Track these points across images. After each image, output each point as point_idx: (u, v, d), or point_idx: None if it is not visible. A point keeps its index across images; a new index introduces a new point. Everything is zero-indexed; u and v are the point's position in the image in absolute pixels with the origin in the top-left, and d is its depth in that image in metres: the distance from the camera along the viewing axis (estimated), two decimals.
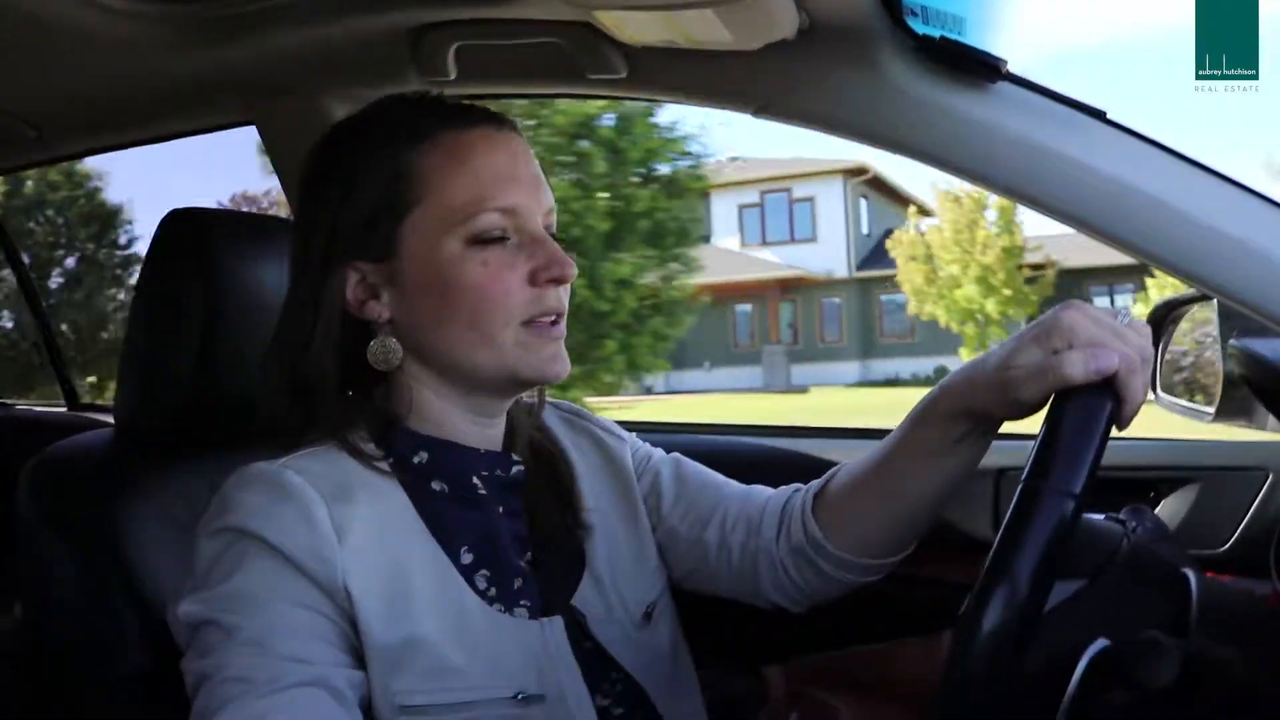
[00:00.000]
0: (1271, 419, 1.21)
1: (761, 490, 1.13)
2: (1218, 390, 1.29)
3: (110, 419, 1.19)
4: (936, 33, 1.15)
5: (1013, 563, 0.70)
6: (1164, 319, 1.44)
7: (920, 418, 0.98)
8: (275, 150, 1.59)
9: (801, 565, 1.05)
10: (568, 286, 0.95)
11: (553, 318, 0.94)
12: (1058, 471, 0.73)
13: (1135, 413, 0.81)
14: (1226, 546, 1.24)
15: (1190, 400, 1.42)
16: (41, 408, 2.92)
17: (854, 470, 1.04)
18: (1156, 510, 1.35)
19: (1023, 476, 0.74)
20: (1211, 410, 1.30)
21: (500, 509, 0.98)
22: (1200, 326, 1.44)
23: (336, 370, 0.93)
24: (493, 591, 0.93)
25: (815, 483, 1.08)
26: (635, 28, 1.14)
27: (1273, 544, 0.88)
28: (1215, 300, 1.21)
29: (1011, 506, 0.73)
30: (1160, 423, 1.39)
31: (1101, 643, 0.72)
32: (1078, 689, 0.69)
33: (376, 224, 0.93)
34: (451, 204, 0.91)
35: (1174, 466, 1.37)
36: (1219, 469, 1.33)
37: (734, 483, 1.14)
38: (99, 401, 2.72)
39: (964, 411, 0.94)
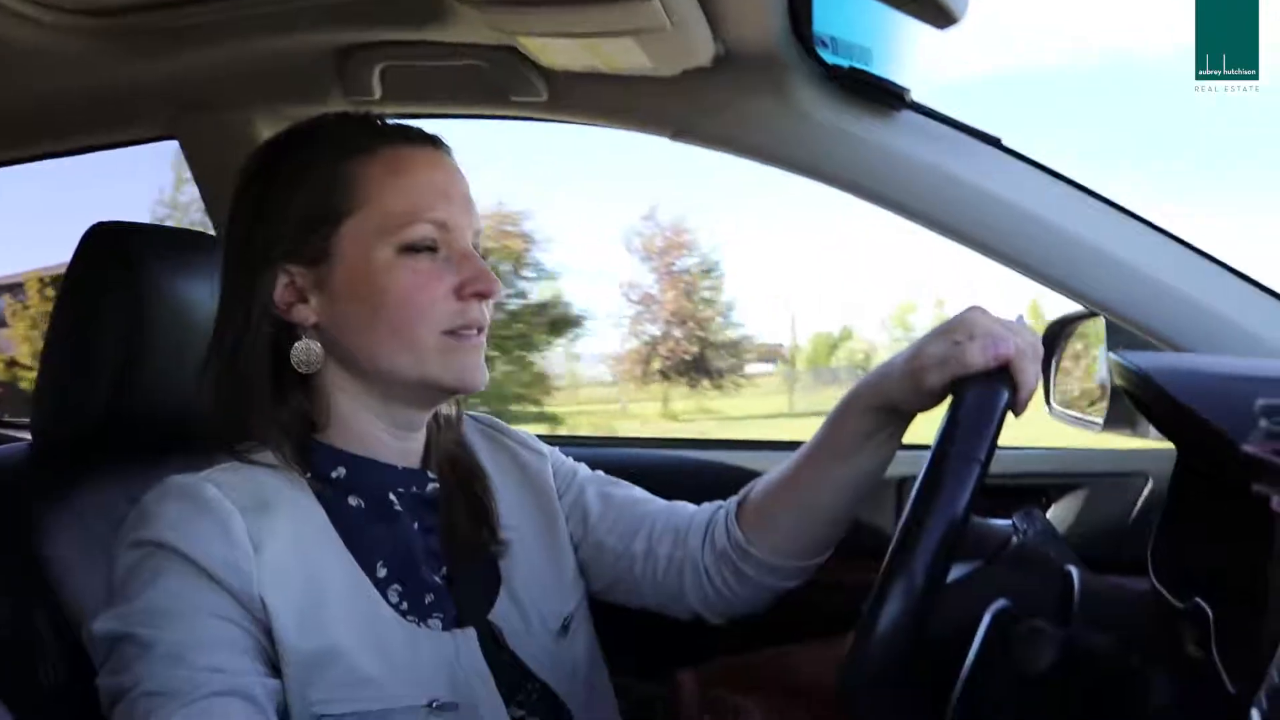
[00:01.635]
0: (1153, 427, 1.29)
1: (686, 504, 1.17)
2: (1105, 401, 1.37)
3: (18, 435, 1.18)
4: (845, 63, 1.22)
5: (925, 518, 0.75)
6: (1057, 335, 1.52)
7: (838, 415, 1.03)
8: (198, 165, 1.58)
9: (725, 572, 1.09)
10: (491, 302, 0.98)
11: (473, 331, 0.97)
12: (962, 439, 0.80)
13: (1029, 397, 0.88)
14: (1111, 547, 1.31)
15: (1081, 411, 1.50)
16: None
17: (774, 476, 1.09)
18: (1048, 514, 1.42)
19: (933, 445, 0.81)
20: (1100, 420, 1.37)
21: (415, 525, 1.00)
22: (1089, 341, 1.52)
23: (266, 371, 0.95)
24: (405, 605, 0.95)
25: (739, 493, 1.13)
26: (557, 53, 1.18)
27: (1149, 543, 0.95)
28: (1102, 317, 1.29)
29: (920, 474, 0.79)
30: (1053, 432, 1.47)
31: (1001, 602, 0.79)
32: (981, 645, 0.75)
33: (313, 229, 0.95)
34: (388, 212, 0.94)
35: (1064, 474, 1.44)
36: (1105, 475, 1.41)
37: (657, 498, 1.18)
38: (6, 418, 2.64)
39: (879, 405, 1.00)
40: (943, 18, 0.75)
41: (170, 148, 1.58)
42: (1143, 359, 0.93)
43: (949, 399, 0.89)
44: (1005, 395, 0.85)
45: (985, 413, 0.82)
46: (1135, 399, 0.99)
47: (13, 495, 1.08)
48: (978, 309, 0.93)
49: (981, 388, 0.85)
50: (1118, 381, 1.00)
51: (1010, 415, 0.86)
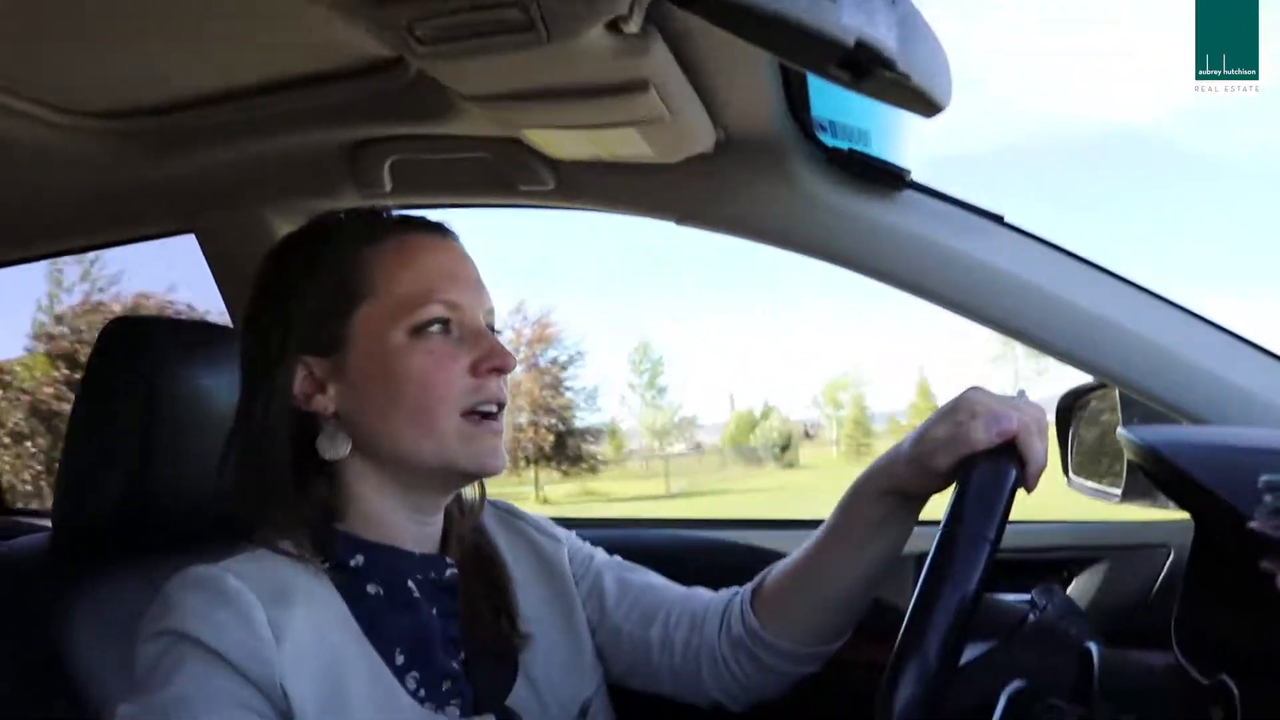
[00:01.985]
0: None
1: (703, 591, 1.16)
2: (1123, 473, 1.36)
3: (40, 523, 1.19)
4: (845, 145, 1.24)
5: (936, 599, 0.75)
6: (1071, 406, 1.52)
7: (849, 502, 1.03)
8: (214, 259, 1.62)
9: (742, 658, 1.08)
10: (507, 378, 0.99)
11: (493, 407, 0.98)
12: (970, 518, 0.80)
13: (1039, 472, 0.87)
14: (1133, 621, 1.29)
15: (1099, 483, 1.49)
16: None
17: (788, 563, 1.09)
18: (1069, 589, 1.40)
19: (941, 524, 0.80)
20: (1118, 491, 1.36)
21: (434, 610, 1.00)
22: (1105, 412, 1.52)
23: (288, 462, 0.96)
24: (422, 692, 0.94)
25: (753, 581, 1.12)
26: (562, 144, 1.21)
27: (1173, 617, 0.93)
28: (1115, 389, 1.28)
29: (930, 553, 0.78)
30: (1074, 504, 1.46)
31: (1018, 683, 0.77)
32: None
33: (327, 318, 0.96)
34: (399, 297, 0.96)
35: (1084, 546, 1.42)
36: (1125, 547, 1.39)
37: (675, 584, 1.17)
38: (31, 506, 2.66)
39: (887, 490, 1.00)
40: (928, 107, 0.76)
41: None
42: (1151, 433, 0.93)
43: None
44: (1013, 472, 0.84)
45: (993, 490, 0.82)
46: (1147, 473, 0.98)
47: (33, 586, 1.09)
48: (977, 389, 0.93)
49: (988, 465, 0.85)
50: (1129, 456, 1.00)
51: (1023, 491, 0.86)
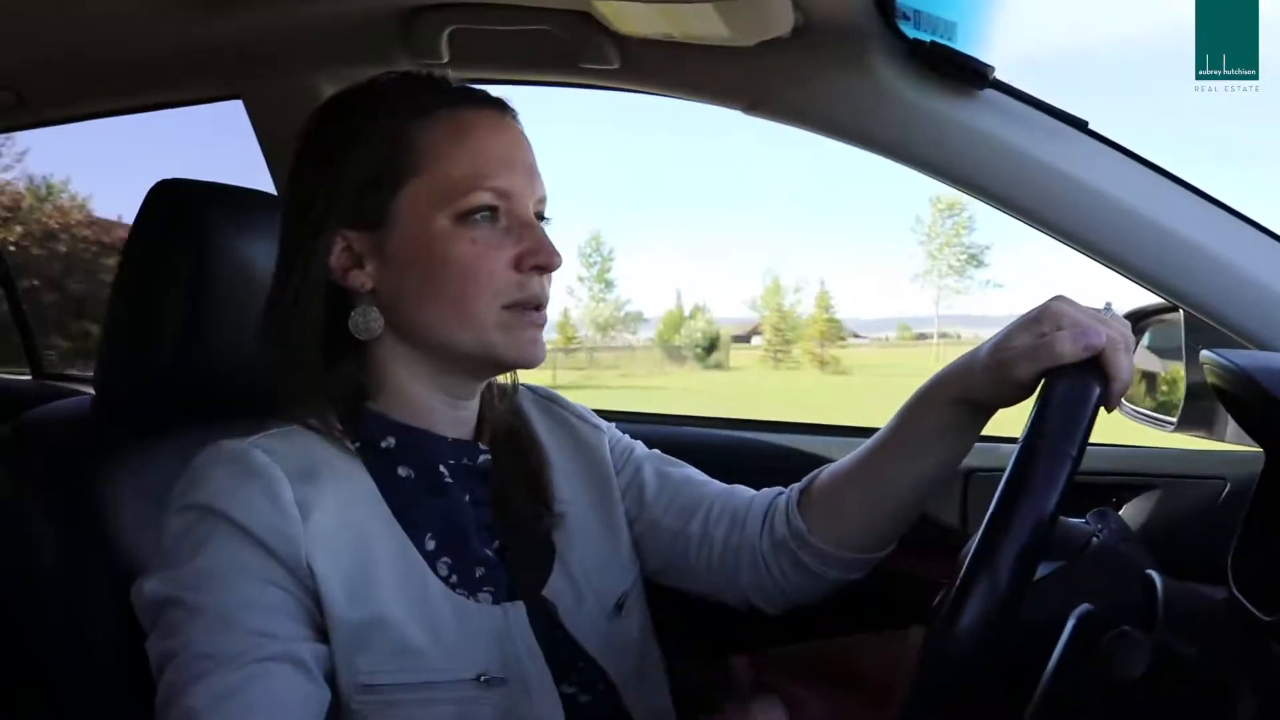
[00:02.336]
0: (1231, 429, 1.24)
1: (744, 489, 1.14)
2: (1180, 400, 1.32)
3: (77, 389, 1.18)
4: (927, 37, 1.18)
5: (1013, 517, 0.72)
6: (1131, 329, 1.47)
7: (915, 406, 1.00)
8: (260, 126, 1.58)
9: (783, 560, 1.06)
10: (551, 276, 0.96)
11: (535, 304, 0.94)
12: (1053, 434, 0.75)
13: (1124, 390, 0.84)
14: (1184, 551, 1.26)
15: (1153, 410, 1.45)
16: (5, 376, 2.87)
17: (841, 466, 1.06)
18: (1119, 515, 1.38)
19: (1020, 440, 0.76)
20: (1174, 420, 1.33)
21: (466, 497, 0.98)
22: (1166, 336, 1.47)
23: (318, 338, 0.93)
24: (454, 578, 0.93)
25: (802, 480, 1.10)
26: (633, 19, 1.15)
27: (1230, 552, 0.90)
28: (1181, 312, 1.24)
29: (1008, 469, 0.75)
30: (1123, 431, 1.42)
31: (1085, 606, 0.75)
32: (1064, 649, 0.71)
33: (371, 191, 0.92)
34: (448, 178, 0.92)
35: (1137, 473, 1.39)
36: (1180, 477, 1.36)
37: (715, 481, 1.15)
38: (68, 371, 2.68)
39: (960, 398, 0.96)
40: None
41: None
42: (1243, 357, 0.89)
43: (1036, 393, 0.85)
44: (1097, 388, 0.80)
45: (1077, 406, 0.78)
46: (1229, 398, 0.95)
47: (73, 449, 1.08)
48: (1063, 299, 0.89)
49: (1073, 380, 0.81)
50: (1210, 380, 0.96)
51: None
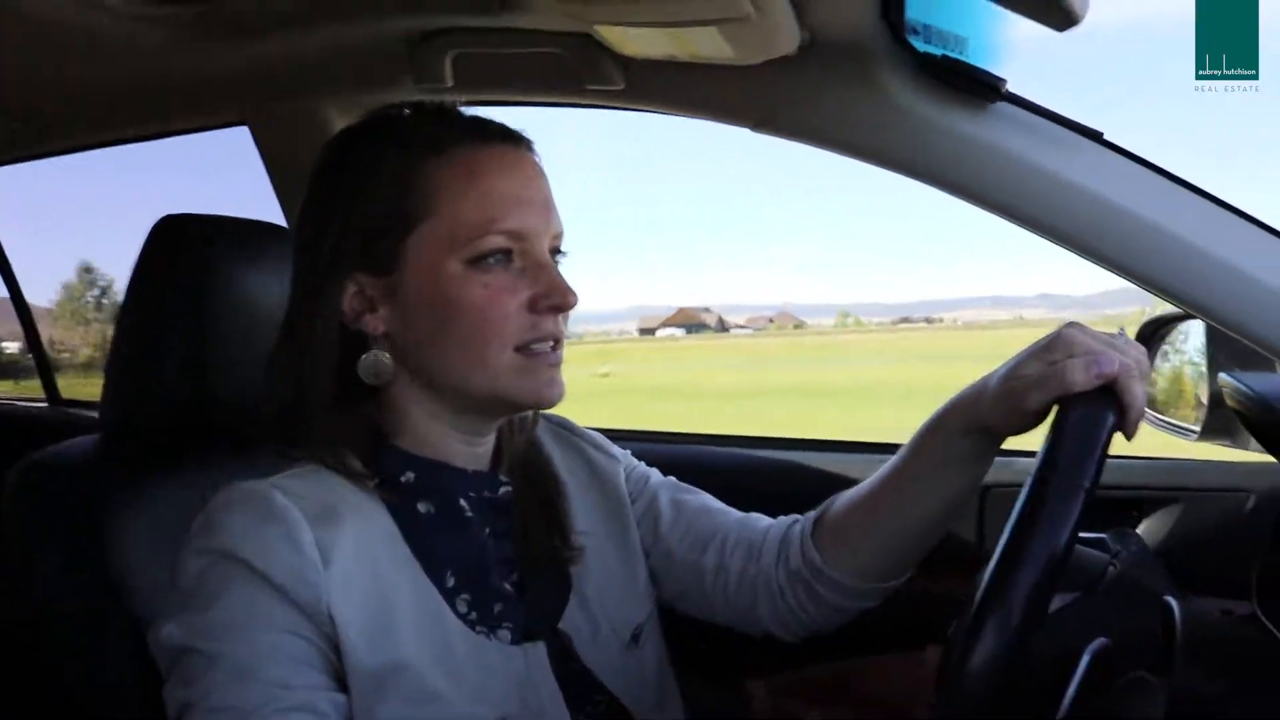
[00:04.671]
0: (1255, 439, 1.22)
1: (760, 518, 1.12)
2: (1203, 409, 1.30)
3: (95, 415, 1.17)
4: (938, 52, 1.16)
5: (1025, 551, 0.70)
6: (1150, 337, 1.45)
7: (926, 436, 0.98)
8: (268, 153, 1.57)
9: (799, 591, 1.05)
10: (567, 314, 0.94)
11: (550, 344, 0.93)
12: (1066, 466, 0.74)
13: (1139, 419, 0.81)
14: (1207, 566, 1.24)
15: (1175, 419, 1.43)
16: (23, 403, 2.88)
17: (853, 495, 1.04)
18: (1139, 529, 1.35)
19: (1032, 473, 0.75)
20: (1196, 429, 1.31)
21: (487, 530, 0.97)
22: (1186, 346, 1.45)
23: (330, 381, 0.92)
24: (473, 615, 0.92)
25: (815, 510, 1.08)
26: (636, 42, 1.14)
27: (1254, 567, 0.89)
28: (1201, 321, 1.22)
29: (1020, 502, 0.73)
30: (1142, 440, 1.40)
31: (1101, 641, 0.73)
32: (1078, 687, 0.70)
33: (382, 235, 0.91)
34: (459, 222, 0.90)
35: (1158, 486, 1.37)
36: (1202, 490, 1.34)
37: (732, 510, 1.13)
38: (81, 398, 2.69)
39: (971, 426, 0.94)
40: (1064, 19, 0.69)
41: None
42: (1257, 381, 0.88)
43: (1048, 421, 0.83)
44: (1111, 418, 0.78)
45: (1090, 437, 0.76)
46: (1248, 421, 0.93)
47: (83, 487, 1.08)
48: (1076, 325, 0.86)
49: (1085, 410, 0.79)
50: (1231, 403, 0.94)
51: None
